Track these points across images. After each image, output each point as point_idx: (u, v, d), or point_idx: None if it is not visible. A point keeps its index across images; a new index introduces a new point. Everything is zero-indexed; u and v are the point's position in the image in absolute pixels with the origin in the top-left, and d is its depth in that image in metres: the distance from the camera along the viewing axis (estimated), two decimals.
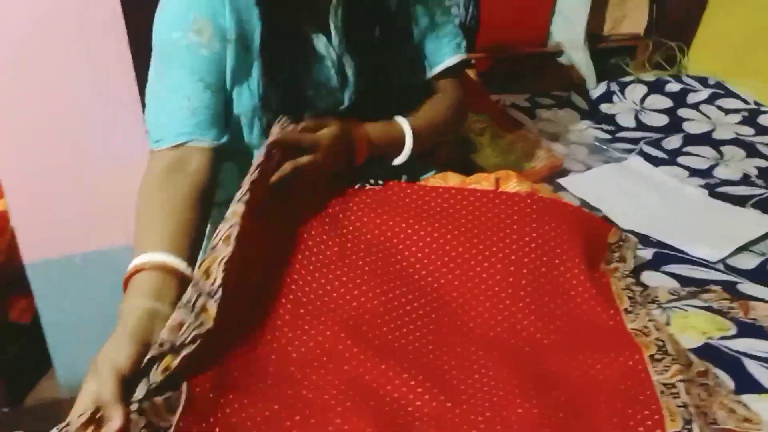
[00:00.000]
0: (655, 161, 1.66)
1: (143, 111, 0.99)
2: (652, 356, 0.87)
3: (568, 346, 0.88)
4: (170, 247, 0.81)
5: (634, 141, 1.79)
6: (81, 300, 1.50)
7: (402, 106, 1.11)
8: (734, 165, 1.62)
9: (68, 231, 1.44)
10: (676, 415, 0.77)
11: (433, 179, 1.12)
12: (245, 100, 1.00)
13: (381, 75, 1.07)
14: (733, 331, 0.99)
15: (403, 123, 1.09)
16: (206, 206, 0.93)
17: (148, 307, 0.74)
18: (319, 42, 1.02)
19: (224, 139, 0.97)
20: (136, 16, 1.27)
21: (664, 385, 0.82)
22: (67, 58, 1.31)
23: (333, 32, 1.02)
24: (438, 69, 1.16)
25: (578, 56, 2.25)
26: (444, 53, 1.16)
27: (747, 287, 1.11)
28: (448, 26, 1.16)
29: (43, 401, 1.60)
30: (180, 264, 0.80)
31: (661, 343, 0.90)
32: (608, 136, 1.85)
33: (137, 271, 0.78)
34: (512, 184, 1.06)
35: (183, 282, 0.78)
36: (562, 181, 1.51)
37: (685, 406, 0.79)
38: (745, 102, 1.94)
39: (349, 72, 1.05)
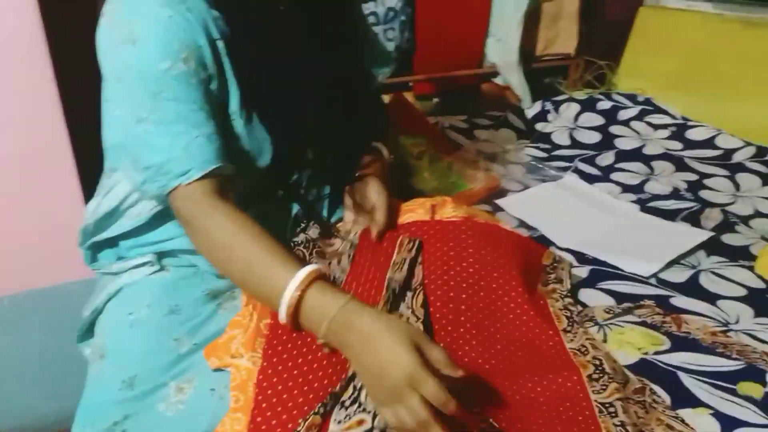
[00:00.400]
0: (590, 178, 1.69)
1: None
2: (589, 376, 0.88)
3: (508, 370, 0.88)
4: (298, 263, 0.82)
5: (569, 159, 1.83)
6: (12, 344, 1.44)
7: (364, 124, 1.12)
8: (664, 179, 1.67)
9: None
10: None
11: None
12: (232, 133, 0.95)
13: (343, 91, 1.06)
14: (667, 345, 1.01)
15: (383, 150, 1.11)
16: None
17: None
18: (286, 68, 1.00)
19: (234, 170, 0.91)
20: None
21: (602, 404, 0.84)
22: None
23: (302, 60, 1.01)
24: (380, 81, 1.19)
25: (513, 77, 2.29)
26: (379, 68, 1.18)
27: (679, 301, 1.14)
28: (377, 41, 1.19)
29: None
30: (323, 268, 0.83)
31: (598, 362, 0.91)
32: (544, 155, 1.88)
33: (307, 286, 0.79)
34: (448, 210, 1.07)
35: None
36: (499, 201, 1.53)
37: (623, 425, 0.80)
38: (673, 117, 2.00)
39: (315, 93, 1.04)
